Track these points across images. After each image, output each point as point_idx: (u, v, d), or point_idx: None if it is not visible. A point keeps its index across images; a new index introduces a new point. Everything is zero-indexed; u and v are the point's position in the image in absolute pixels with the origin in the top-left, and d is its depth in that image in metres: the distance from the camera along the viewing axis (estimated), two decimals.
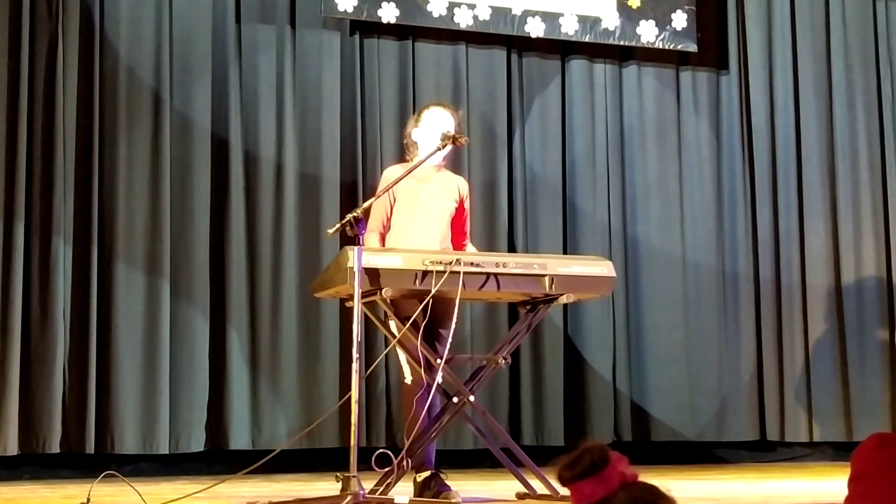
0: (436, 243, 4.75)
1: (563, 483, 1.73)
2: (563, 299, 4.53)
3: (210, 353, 6.56)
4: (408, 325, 4.38)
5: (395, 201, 4.83)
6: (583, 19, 7.40)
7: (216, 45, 6.81)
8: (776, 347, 7.63)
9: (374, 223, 4.80)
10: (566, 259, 4.92)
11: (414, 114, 5.26)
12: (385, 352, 5.49)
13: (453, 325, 4.47)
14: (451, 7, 7.12)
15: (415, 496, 4.52)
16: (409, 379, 4.62)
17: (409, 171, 4.66)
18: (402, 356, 4.67)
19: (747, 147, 7.81)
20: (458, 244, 4.91)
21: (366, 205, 4.38)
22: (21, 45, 6.35)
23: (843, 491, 1.99)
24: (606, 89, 7.62)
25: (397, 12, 7.00)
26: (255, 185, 6.81)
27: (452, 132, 4.74)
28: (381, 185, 4.78)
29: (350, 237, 4.19)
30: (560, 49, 7.56)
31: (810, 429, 7.56)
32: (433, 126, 4.88)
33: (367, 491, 4.05)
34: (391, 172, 4.87)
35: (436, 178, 4.90)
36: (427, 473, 4.58)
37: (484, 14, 7.20)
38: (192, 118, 6.69)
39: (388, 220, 4.84)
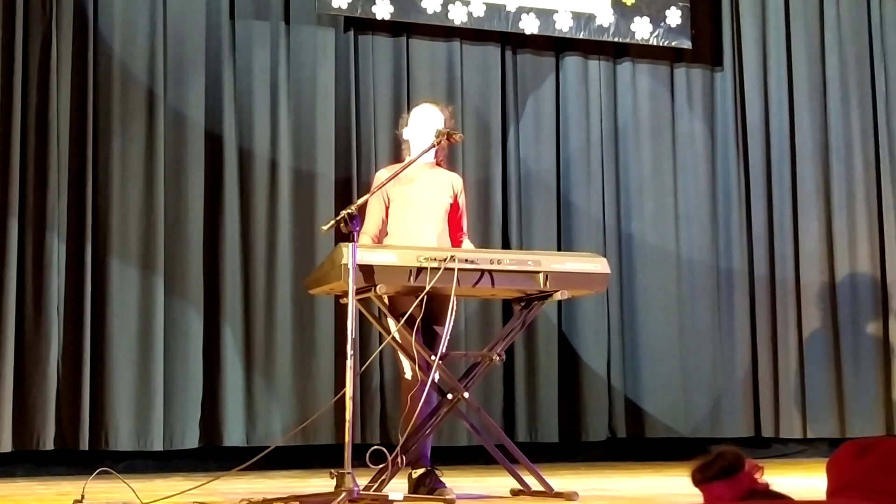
0: (433, 241, 4.75)
1: (695, 484, 1.75)
2: (558, 296, 4.54)
3: (204, 350, 6.56)
4: (402, 321, 4.38)
5: (389, 203, 4.83)
6: (577, 16, 7.40)
7: (210, 41, 6.80)
8: (770, 344, 7.64)
9: (370, 226, 4.79)
10: (560, 256, 4.92)
11: (403, 114, 5.26)
12: (380, 348, 5.49)
13: (451, 322, 4.48)
14: (445, 4, 7.12)
15: (409, 493, 4.53)
16: (408, 374, 4.61)
17: (402, 169, 4.66)
18: (400, 352, 4.67)
19: (742, 144, 7.82)
20: (455, 240, 4.90)
21: (360, 201, 4.39)
22: (14, 42, 6.33)
23: None
24: (601, 86, 7.62)
25: (392, 9, 7.00)
26: (250, 182, 6.81)
27: (444, 128, 4.74)
28: (374, 186, 4.77)
29: (345, 234, 4.20)
30: (554, 46, 7.56)
31: (804, 425, 7.57)
32: (421, 123, 4.89)
33: (361, 487, 4.05)
34: (383, 174, 4.87)
35: (429, 175, 4.89)
36: (422, 470, 4.59)
37: (478, 11, 7.20)
38: (186, 115, 6.68)
39: (384, 222, 4.83)
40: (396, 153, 5.18)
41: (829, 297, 7.71)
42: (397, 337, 4.57)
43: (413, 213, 4.80)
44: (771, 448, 7.68)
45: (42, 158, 6.32)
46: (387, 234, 4.84)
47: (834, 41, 7.92)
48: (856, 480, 1.76)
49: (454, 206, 4.92)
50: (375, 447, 4.23)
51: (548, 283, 4.47)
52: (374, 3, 6.96)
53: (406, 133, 4.97)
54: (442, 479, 4.57)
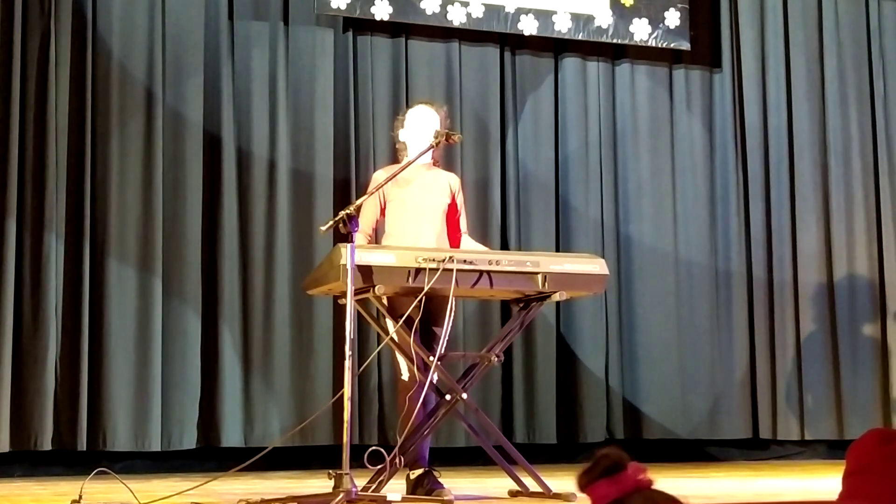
0: (432, 242, 4.75)
1: (582, 489, 1.77)
2: (556, 297, 4.53)
3: (202, 351, 6.55)
4: (400, 322, 4.38)
5: (385, 204, 4.83)
6: (576, 17, 7.40)
7: (209, 41, 6.80)
8: (768, 345, 7.64)
9: (364, 224, 4.78)
10: (559, 257, 4.92)
11: (399, 115, 5.25)
12: (378, 349, 5.49)
13: (449, 323, 4.48)
14: (444, 4, 7.12)
15: (407, 494, 4.52)
16: (405, 375, 4.61)
17: (400, 171, 4.65)
18: (398, 353, 4.67)
19: (740, 145, 7.82)
20: (454, 240, 4.91)
21: (358, 202, 4.39)
22: (13, 42, 6.33)
23: (834, 489, 1.98)
24: (599, 87, 7.62)
25: (391, 10, 7.00)
26: (248, 183, 6.81)
27: (442, 130, 4.73)
28: (371, 187, 4.77)
29: (343, 234, 4.20)
30: (553, 47, 7.56)
31: (802, 427, 7.57)
32: (418, 124, 4.88)
33: (359, 488, 4.05)
34: (380, 174, 4.87)
35: (426, 176, 4.89)
36: (420, 471, 4.59)
37: (477, 12, 7.19)
38: (184, 115, 6.68)
39: (379, 221, 4.84)
40: (395, 154, 5.17)
41: (827, 299, 7.71)
42: (395, 338, 4.57)
43: (411, 215, 4.80)
44: (769, 450, 7.68)
45: (40, 158, 6.32)
46: (384, 233, 4.84)
47: (832, 43, 7.92)
48: (875, 466, 1.78)
49: (452, 207, 4.92)
50: (373, 448, 4.22)
51: (546, 284, 4.47)
52: (373, 4, 6.96)
53: (402, 135, 4.97)
54: (440, 479, 4.57)
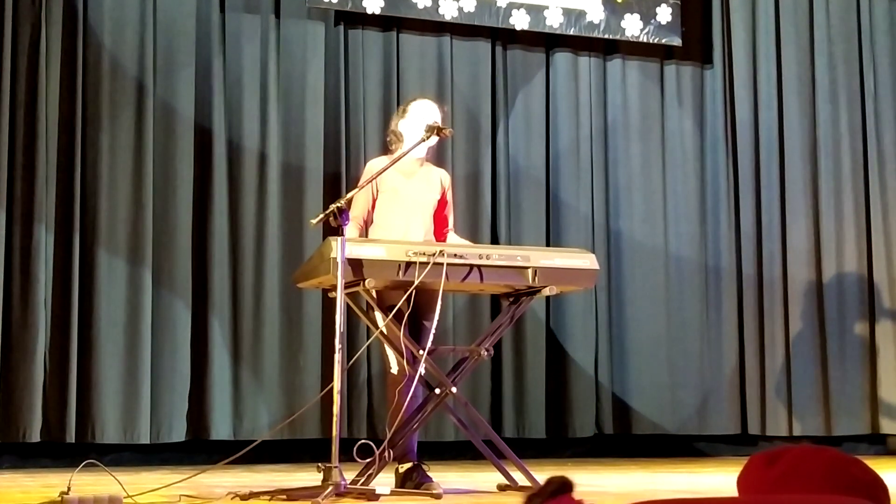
0: (420, 236, 4.75)
1: None
2: (546, 291, 4.54)
3: (192, 343, 6.55)
4: (390, 315, 4.38)
5: (377, 194, 4.83)
6: (568, 12, 7.41)
7: (200, 34, 6.79)
8: (757, 342, 7.66)
9: (355, 213, 4.79)
10: (549, 251, 4.92)
11: (399, 106, 5.25)
12: (367, 343, 5.49)
13: (437, 317, 4.49)
14: None
15: (396, 487, 4.52)
16: (394, 369, 4.62)
17: (394, 162, 4.65)
18: (387, 346, 4.67)
19: (731, 141, 7.83)
20: (440, 235, 4.91)
21: (349, 195, 4.39)
22: (3, 33, 6.32)
23: None
24: (591, 82, 7.62)
25: (382, 3, 6.99)
26: (239, 175, 6.80)
27: (433, 124, 4.73)
28: (365, 177, 4.77)
29: (333, 228, 4.20)
30: (545, 42, 7.56)
31: (790, 423, 7.59)
32: (420, 117, 4.87)
33: (348, 482, 4.05)
34: (375, 164, 4.86)
35: (419, 172, 4.90)
36: (409, 464, 4.59)
37: (469, 6, 7.19)
38: (175, 108, 6.67)
39: (370, 211, 4.84)
40: (385, 148, 5.17)
41: (817, 296, 7.73)
42: (385, 331, 4.57)
43: (402, 209, 4.80)
44: (757, 446, 7.68)
45: (30, 150, 6.31)
46: (372, 222, 4.83)
47: (823, 40, 7.93)
48: (766, 490, 1.75)
49: (442, 202, 4.92)
50: (363, 441, 4.23)
51: (536, 278, 4.48)
52: None
53: (402, 125, 4.95)
54: (429, 473, 4.58)
